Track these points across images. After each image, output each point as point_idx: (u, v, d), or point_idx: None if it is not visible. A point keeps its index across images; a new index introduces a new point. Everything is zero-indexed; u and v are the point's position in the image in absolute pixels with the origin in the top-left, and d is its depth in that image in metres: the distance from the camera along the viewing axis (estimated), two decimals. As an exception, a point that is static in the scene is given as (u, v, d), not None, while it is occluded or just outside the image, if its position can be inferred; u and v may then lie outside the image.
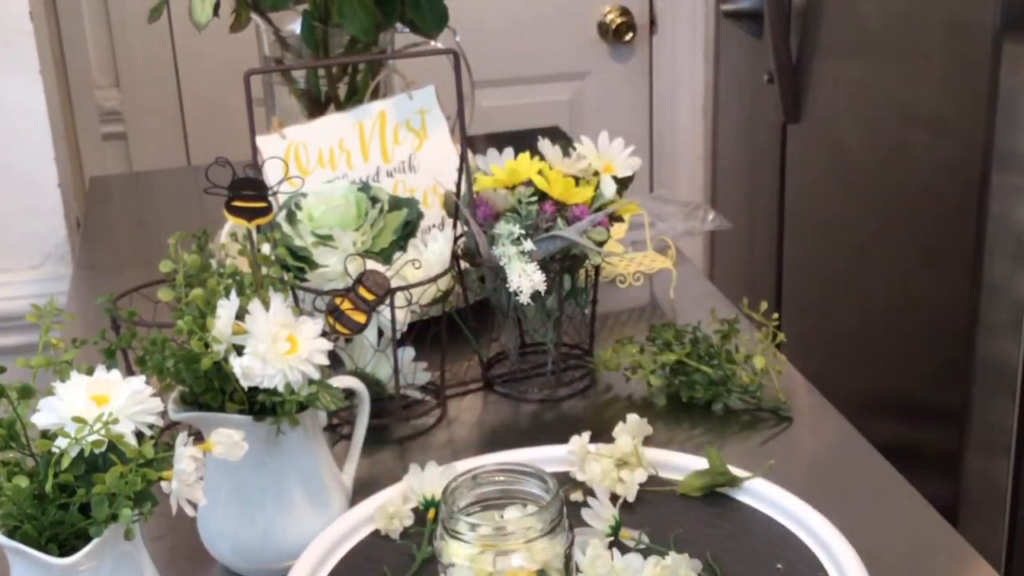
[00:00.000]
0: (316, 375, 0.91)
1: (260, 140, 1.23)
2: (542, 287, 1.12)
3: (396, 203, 1.21)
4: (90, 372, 0.81)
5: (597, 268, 1.23)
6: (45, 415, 0.78)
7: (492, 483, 0.86)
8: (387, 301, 1.09)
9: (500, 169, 1.19)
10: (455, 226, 1.20)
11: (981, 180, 1.68)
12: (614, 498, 1.00)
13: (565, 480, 1.03)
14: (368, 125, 1.30)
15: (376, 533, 0.99)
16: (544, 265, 1.13)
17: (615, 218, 1.21)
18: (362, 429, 1.04)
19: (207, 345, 0.89)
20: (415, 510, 1.01)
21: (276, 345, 0.89)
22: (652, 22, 2.67)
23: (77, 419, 0.76)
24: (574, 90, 2.69)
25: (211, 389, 0.92)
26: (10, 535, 0.77)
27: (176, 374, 0.91)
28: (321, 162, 1.29)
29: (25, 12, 1.76)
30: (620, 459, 1.03)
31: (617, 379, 1.25)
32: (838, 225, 2.13)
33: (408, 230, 1.19)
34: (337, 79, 1.39)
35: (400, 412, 1.18)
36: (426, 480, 1.01)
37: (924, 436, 1.88)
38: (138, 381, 0.80)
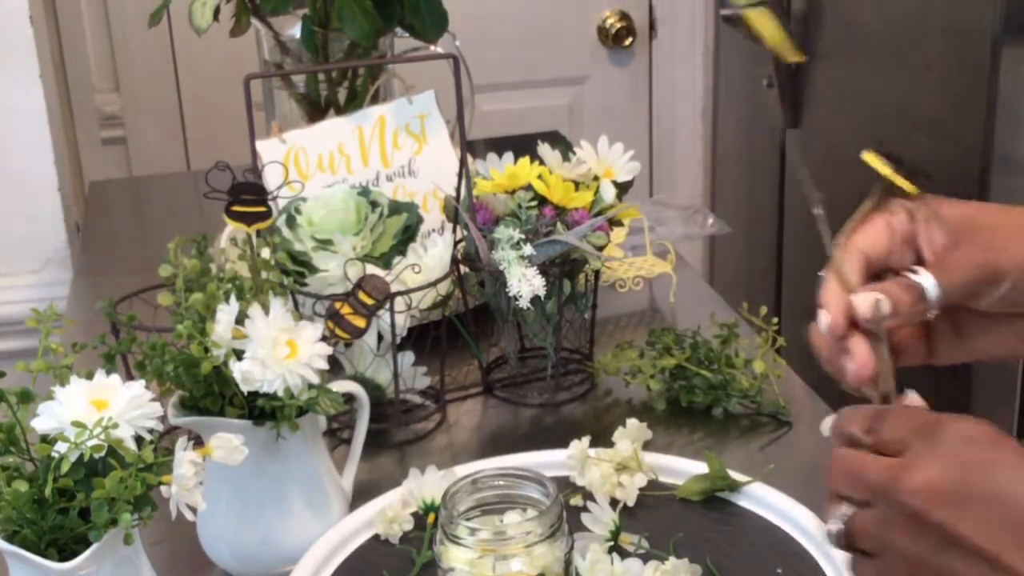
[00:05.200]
0: (316, 379, 0.91)
1: (260, 144, 1.23)
2: (542, 291, 1.12)
3: (396, 207, 1.21)
4: (90, 376, 0.81)
5: (597, 272, 1.23)
6: (45, 419, 0.78)
7: (492, 487, 0.86)
8: (387, 305, 1.09)
9: (500, 173, 1.19)
10: (455, 230, 1.20)
11: (981, 183, 1.68)
12: (614, 503, 1.00)
13: (565, 485, 1.03)
14: (368, 129, 1.30)
15: (376, 537, 0.99)
16: (544, 269, 1.13)
17: (615, 222, 1.21)
18: (362, 433, 1.04)
19: (207, 350, 0.89)
20: (415, 514, 1.01)
21: (276, 350, 0.89)
22: (652, 26, 2.68)
23: (77, 424, 0.76)
24: (574, 94, 2.69)
25: (211, 394, 0.92)
26: (9, 540, 0.77)
27: (176, 378, 0.91)
28: (321, 166, 1.29)
29: (25, 16, 1.76)
30: (620, 463, 1.03)
31: (617, 383, 1.25)
32: (838, 229, 2.13)
33: (408, 234, 1.19)
34: (337, 83, 1.39)
35: (400, 416, 1.18)
36: (426, 484, 1.01)
37: (924, 440, 1.88)
38: (138, 386, 0.80)
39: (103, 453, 0.76)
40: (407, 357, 1.17)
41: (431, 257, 1.17)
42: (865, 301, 0.68)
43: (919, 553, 0.60)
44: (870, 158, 0.70)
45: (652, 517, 1.00)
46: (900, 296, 0.69)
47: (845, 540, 0.64)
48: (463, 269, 1.20)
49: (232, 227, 0.94)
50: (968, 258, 0.69)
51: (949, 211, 0.72)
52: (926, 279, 0.69)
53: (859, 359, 0.70)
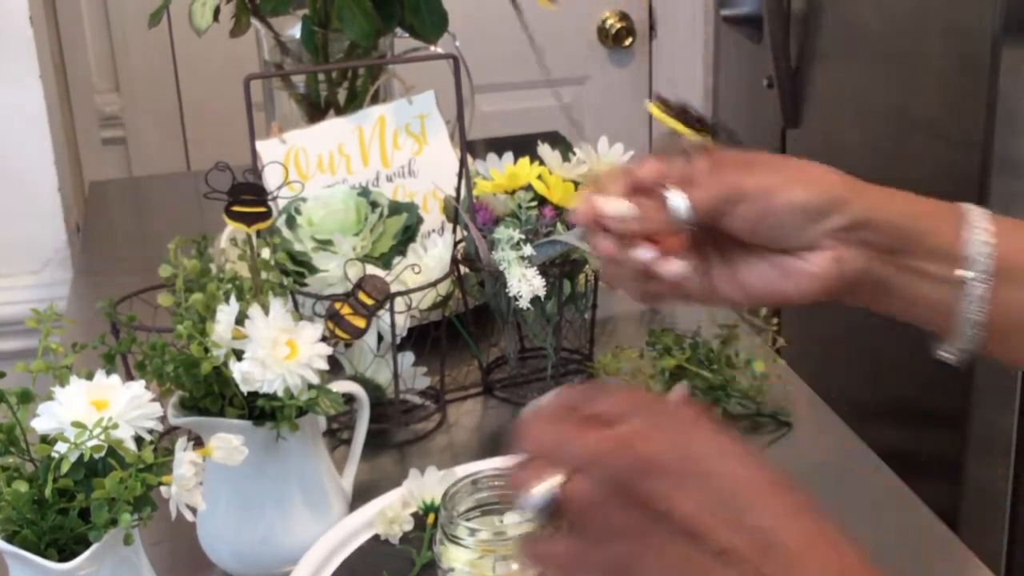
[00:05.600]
0: (316, 380, 0.91)
1: (260, 145, 1.23)
2: (542, 292, 1.12)
3: (396, 208, 1.21)
4: (90, 377, 0.81)
5: (597, 273, 1.23)
6: (45, 420, 0.78)
7: (492, 488, 0.86)
8: (387, 306, 1.09)
9: (500, 174, 1.19)
10: (455, 231, 1.20)
11: (981, 184, 1.68)
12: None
13: (565, 485, 1.03)
14: (368, 130, 1.30)
15: (376, 538, 0.99)
16: (544, 270, 1.13)
17: (615, 223, 1.21)
18: (362, 434, 1.04)
19: (207, 350, 0.89)
20: (415, 515, 1.01)
21: (276, 350, 0.88)
22: (651, 27, 2.68)
23: (77, 424, 0.76)
24: (574, 95, 2.69)
25: (211, 394, 0.92)
26: (9, 540, 0.77)
27: (176, 379, 0.91)
28: (321, 167, 1.29)
29: (25, 16, 1.76)
30: (620, 464, 1.03)
31: (617, 384, 1.24)
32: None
33: (408, 235, 1.19)
34: (337, 84, 1.39)
35: (400, 417, 1.18)
36: (426, 485, 1.01)
37: (924, 441, 1.88)
38: (138, 386, 0.80)
39: (103, 453, 0.76)
40: (407, 357, 1.17)
41: (431, 257, 1.17)
42: (610, 201, 0.74)
43: (628, 526, 0.58)
44: (653, 108, 0.73)
45: (652, 517, 1.00)
46: (646, 204, 0.74)
47: (552, 511, 0.61)
48: (463, 269, 1.20)
49: (232, 227, 0.94)
50: (718, 180, 0.74)
51: (724, 154, 0.77)
52: (675, 194, 0.74)
53: (601, 247, 0.77)
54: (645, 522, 0.57)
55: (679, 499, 0.57)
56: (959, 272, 0.74)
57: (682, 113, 0.77)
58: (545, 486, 0.60)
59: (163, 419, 0.83)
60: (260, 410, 0.92)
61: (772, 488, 0.58)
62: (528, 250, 1.13)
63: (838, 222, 0.74)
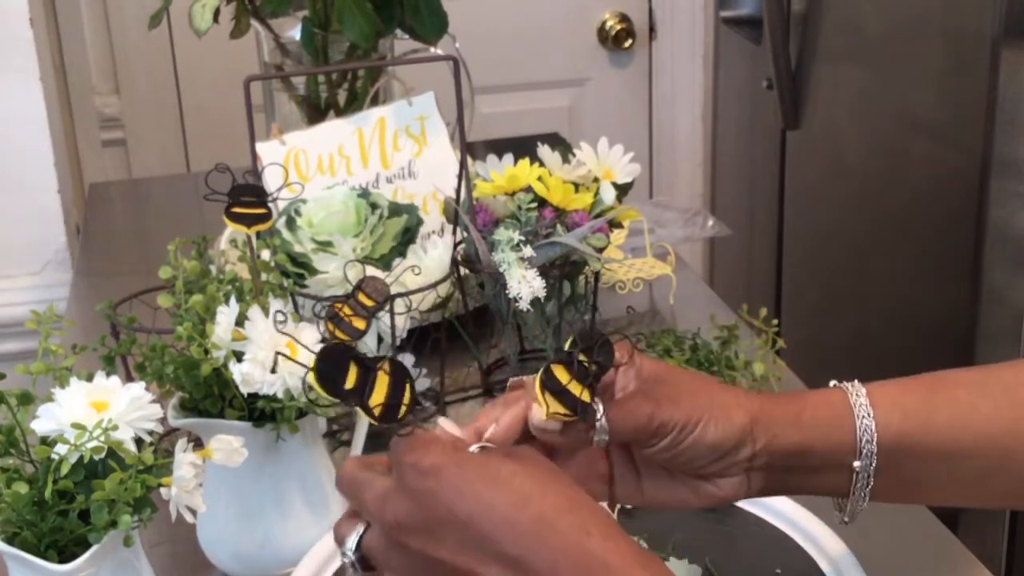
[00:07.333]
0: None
1: (260, 146, 1.23)
2: (542, 293, 1.12)
3: (396, 209, 1.21)
4: (90, 378, 0.81)
5: (597, 274, 1.23)
6: (45, 421, 0.78)
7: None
8: (387, 307, 1.09)
9: (500, 175, 1.19)
10: (455, 232, 1.20)
11: (980, 186, 1.68)
12: (612, 504, 1.00)
13: (565, 486, 1.02)
14: (368, 131, 1.30)
15: (375, 539, 0.99)
16: (544, 271, 1.13)
17: (615, 224, 1.21)
18: (362, 435, 1.04)
19: (207, 351, 0.89)
20: (414, 516, 1.00)
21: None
22: (651, 28, 2.68)
23: (76, 425, 0.76)
24: (574, 96, 2.69)
25: (210, 395, 0.92)
26: (9, 541, 0.77)
27: (175, 380, 0.91)
28: (321, 168, 1.29)
29: (25, 18, 1.76)
30: (620, 465, 1.03)
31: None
32: (837, 231, 2.14)
33: (408, 236, 1.19)
34: (337, 85, 1.39)
35: (400, 418, 1.17)
36: (425, 486, 1.01)
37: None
38: (137, 387, 0.80)
39: (103, 455, 0.76)
40: (407, 359, 1.17)
41: (431, 259, 1.17)
42: (539, 413, 0.75)
43: (414, 569, 0.68)
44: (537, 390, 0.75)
45: (651, 518, 1.00)
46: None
47: (361, 558, 0.71)
48: (463, 271, 1.20)
49: (232, 229, 0.94)
50: (640, 408, 0.75)
51: (645, 365, 0.78)
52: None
53: None
54: (428, 564, 0.68)
55: (439, 549, 0.67)
56: (855, 464, 0.78)
57: (587, 357, 0.76)
58: (352, 538, 0.71)
59: (163, 421, 0.83)
60: (260, 411, 0.92)
61: (515, 515, 0.66)
62: (528, 251, 1.13)
63: (745, 454, 0.77)
